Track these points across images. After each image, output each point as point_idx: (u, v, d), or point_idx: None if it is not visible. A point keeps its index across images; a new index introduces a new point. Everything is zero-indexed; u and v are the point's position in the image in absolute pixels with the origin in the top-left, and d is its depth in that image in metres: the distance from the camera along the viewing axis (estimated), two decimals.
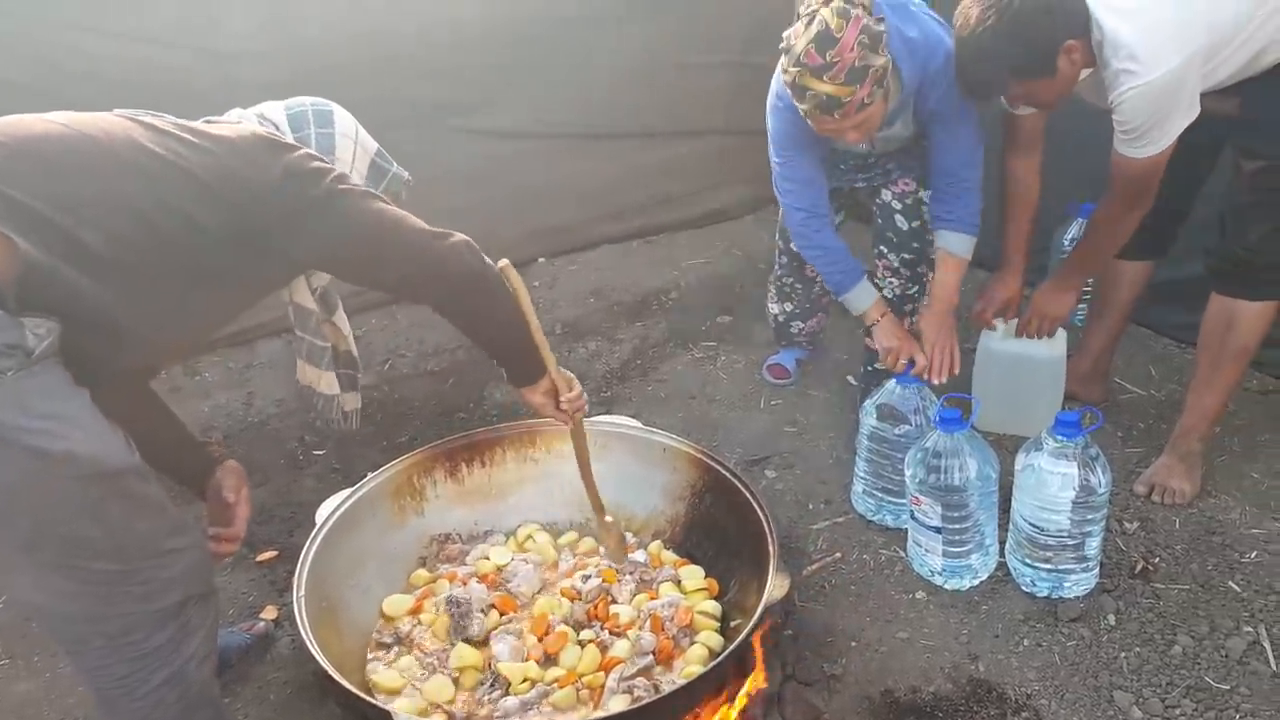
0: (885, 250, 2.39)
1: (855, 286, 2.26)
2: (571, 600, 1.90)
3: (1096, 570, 1.98)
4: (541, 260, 3.59)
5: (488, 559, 2.01)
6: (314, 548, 1.79)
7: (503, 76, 3.25)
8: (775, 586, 1.67)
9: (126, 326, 1.32)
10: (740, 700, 1.64)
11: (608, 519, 1.96)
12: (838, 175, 2.34)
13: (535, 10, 3.22)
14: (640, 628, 1.81)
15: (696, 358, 2.99)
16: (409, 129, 3.02)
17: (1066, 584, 1.95)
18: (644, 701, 1.64)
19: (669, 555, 2.04)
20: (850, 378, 2.80)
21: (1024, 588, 1.99)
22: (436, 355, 3.06)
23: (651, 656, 1.75)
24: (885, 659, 1.86)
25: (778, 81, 2.07)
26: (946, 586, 2.02)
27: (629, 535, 2.07)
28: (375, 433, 2.68)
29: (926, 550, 2.01)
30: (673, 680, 1.72)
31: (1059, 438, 1.86)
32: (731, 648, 1.60)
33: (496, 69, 3.23)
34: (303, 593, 1.69)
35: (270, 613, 2.05)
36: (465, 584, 1.93)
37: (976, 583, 2.02)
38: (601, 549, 2.02)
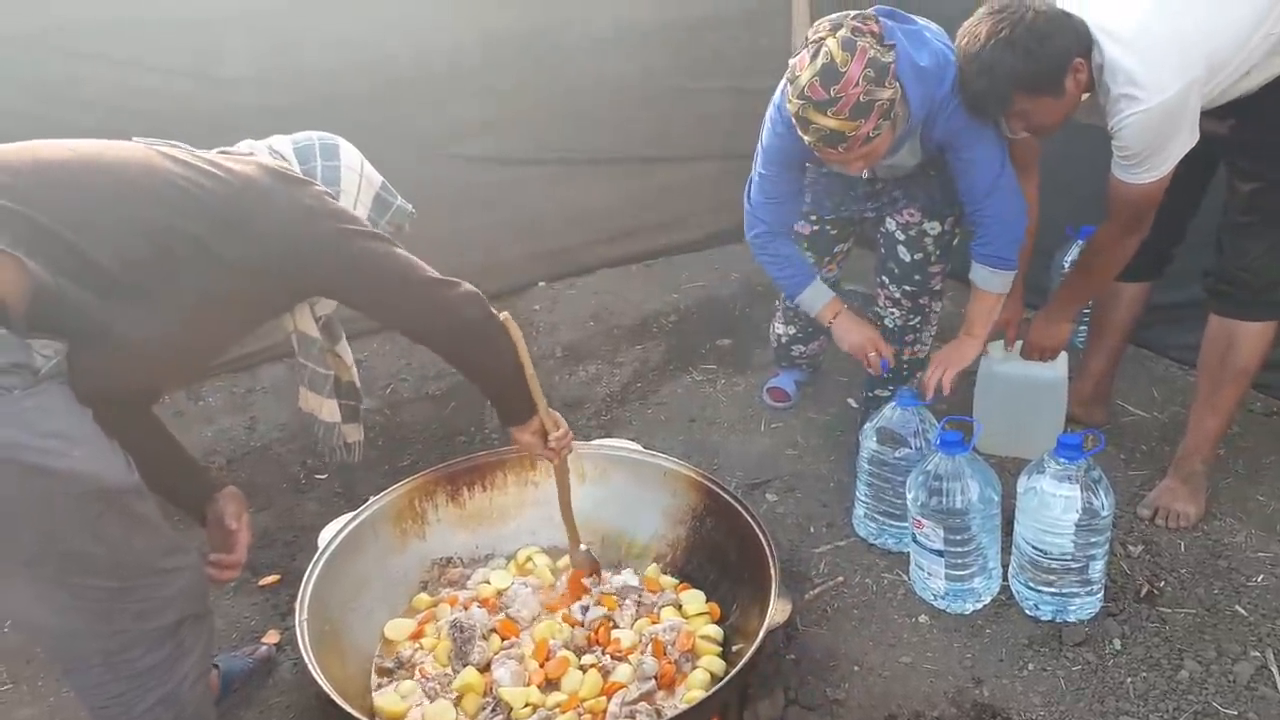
0: (887, 281, 2.39)
1: (807, 288, 2.27)
2: (572, 626, 1.89)
3: (1101, 594, 1.97)
4: (542, 284, 3.60)
5: (488, 583, 2.01)
6: (316, 572, 1.79)
7: (502, 102, 3.28)
8: (777, 611, 1.67)
9: (132, 348, 1.33)
10: None
11: (581, 547, 2.02)
12: (848, 204, 2.33)
13: (534, 37, 3.25)
14: (642, 652, 1.80)
15: (696, 381, 2.99)
16: (409, 155, 3.04)
17: (1071, 608, 1.94)
18: None
19: (668, 579, 2.03)
20: (851, 400, 2.80)
21: (1028, 611, 1.98)
22: (438, 379, 3.07)
23: (654, 681, 1.74)
24: (888, 683, 1.85)
25: (780, 96, 2.04)
26: (949, 610, 2.01)
27: (625, 568, 2.07)
28: (377, 457, 2.68)
29: (929, 574, 2.01)
30: (675, 705, 1.71)
31: (1061, 460, 1.86)
32: (734, 672, 1.59)
33: (496, 95, 3.26)
34: (305, 617, 1.68)
35: (273, 637, 2.04)
36: (466, 608, 1.92)
37: (980, 606, 2.01)
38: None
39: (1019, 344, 2.40)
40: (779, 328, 2.73)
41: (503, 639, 1.87)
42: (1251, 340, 2.07)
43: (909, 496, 1.98)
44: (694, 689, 1.73)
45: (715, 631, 1.87)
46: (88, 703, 1.40)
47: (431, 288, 1.56)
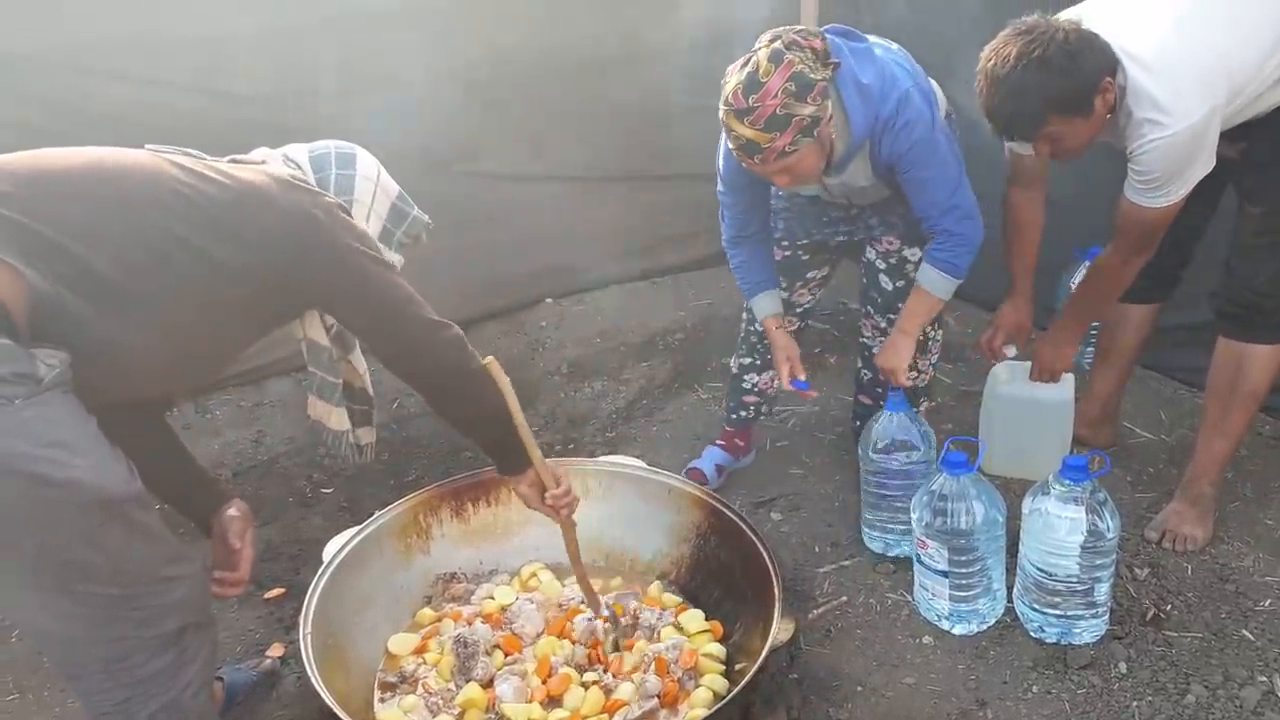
0: (871, 311, 2.38)
1: (758, 295, 2.30)
2: (573, 643, 1.89)
3: (1107, 617, 1.95)
4: (548, 301, 3.62)
5: (492, 598, 2.01)
6: (321, 585, 1.80)
7: (512, 119, 3.31)
8: (781, 630, 1.67)
9: (135, 355, 1.35)
10: None
11: (604, 610, 1.93)
12: (819, 228, 2.32)
13: (544, 54, 3.28)
14: (645, 670, 1.80)
15: (702, 398, 2.99)
16: (416, 171, 3.05)
17: (1076, 630, 1.93)
18: None
19: (670, 598, 2.03)
20: (857, 421, 2.79)
21: (1032, 633, 1.97)
22: None
23: (656, 700, 1.73)
24: (891, 704, 1.84)
25: None
26: (954, 631, 2.00)
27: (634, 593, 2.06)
28: (383, 471, 2.69)
29: (933, 594, 2.00)
30: None
31: (1066, 482, 1.85)
32: (736, 691, 1.59)
33: (506, 112, 3.28)
34: (309, 630, 1.69)
35: (277, 650, 2.05)
36: (470, 623, 1.92)
37: (984, 628, 2.00)
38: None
39: (1026, 366, 2.40)
40: (737, 358, 2.60)
41: (506, 655, 1.87)
42: (1261, 363, 2.06)
43: (913, 516, 1.97)
44: (697, 707, 1.73)
45: (718, 650, 1.86)
46: (90, 710, 1.41)
47: (425, 327, 1.57)
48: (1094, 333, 2.64)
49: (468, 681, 1.79)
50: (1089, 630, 1.93)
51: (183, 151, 1.45)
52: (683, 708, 1.75)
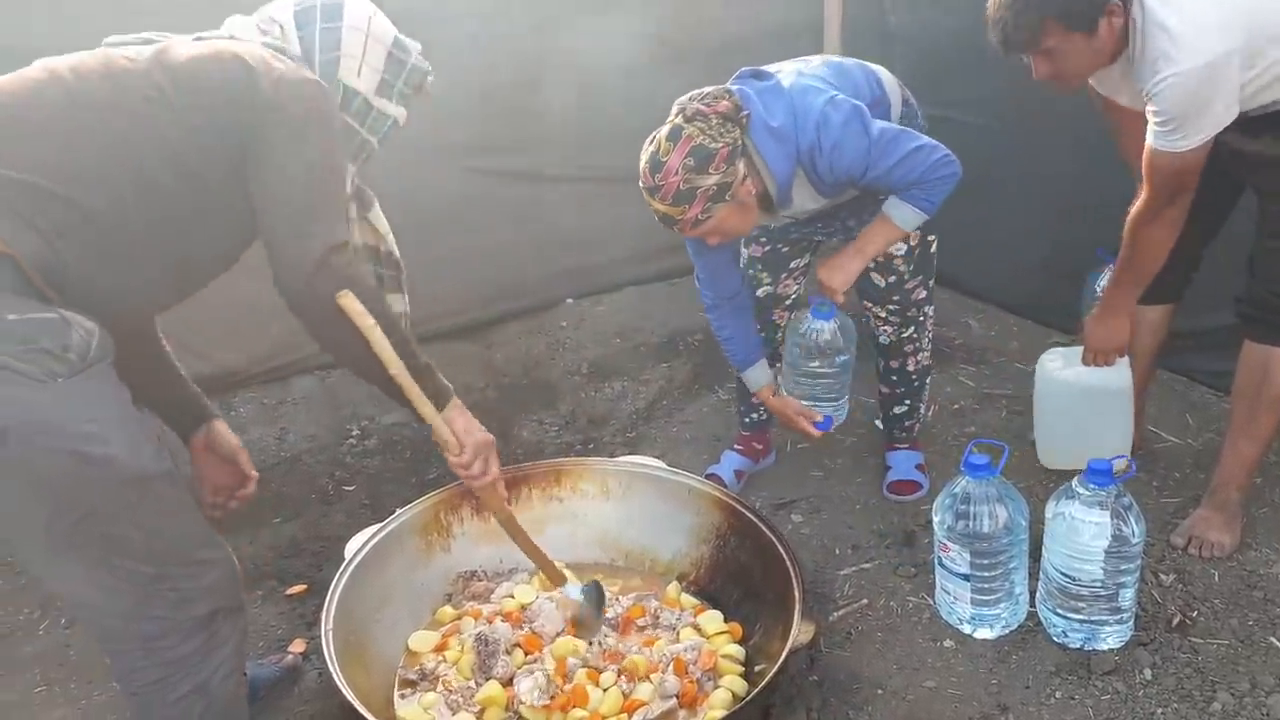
0: (870, 304, 2.36)
1: (750, 368, 2.32)
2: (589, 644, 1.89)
3: (1131, 623, 1.94)
4: (569, 301, 3.63)
5: (512, 597, 2.02)
6: (342, 582, 1.81)
7: (533, 119, 3.32)
8: (801, 632, 1.66)
9: (140, 290, 1.40)
10: None
11: (575, 586, 1.92)
12: (797, 227, 2.32)
13: (566, 55, 3.29)
14: (664, 671, 1.80)
15: (722, 399, 2.99)
16: (438, 170, 3.09)
17: (1100, 636, 1.91)
18: None
19: (688, 599, 2.03)
20: (877, 422, 2.78)
21: (1055, 638, 1.95)
22: (465, 394, 3.04)
23: (675, 700, 1.73)
24: (912, 708, 1.83)
25: None
26: (975, 635, 1.99)
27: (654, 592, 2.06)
28: (404, 469, 2.71)
29: (955, 598, 1.99)
30: None
31: (1091, 486, 1.84)
32: (756, 692, 1.59)
33: (527, 112, 3.30)
34: (330, 627, 1.71)
35: (299, 646, 2.07)
36: (491, 621, 1.93)
37: (1006, 632, 1.99)
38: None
39: (1078, 351, 2.31)
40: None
41: (526, 653, 1.87)
42: None
43: (935, 520, 1.96)
44: (715, 708, 1.72)
45: (737, 651, 1.86)
46: (126, 688, 1.45)
47: (289, 231, 1.39)
48: None
49: (488, 679, 1.79)
50: (1113, 636, 1.92)
51: (143, 39, 1.46)
52: (701, 708, 1.75)
